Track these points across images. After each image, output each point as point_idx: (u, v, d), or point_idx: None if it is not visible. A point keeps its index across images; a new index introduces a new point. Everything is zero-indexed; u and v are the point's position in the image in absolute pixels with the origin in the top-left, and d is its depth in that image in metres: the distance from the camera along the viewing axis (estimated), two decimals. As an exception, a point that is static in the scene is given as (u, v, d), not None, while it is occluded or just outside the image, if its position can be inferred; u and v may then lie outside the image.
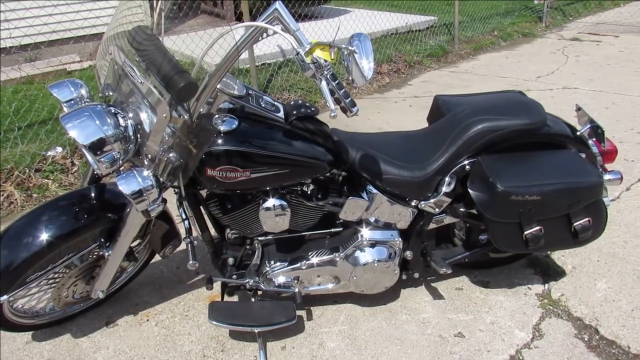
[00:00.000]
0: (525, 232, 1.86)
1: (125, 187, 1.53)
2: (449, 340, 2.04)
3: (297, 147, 1.74)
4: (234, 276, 2.01)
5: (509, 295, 2.27)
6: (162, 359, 1.98)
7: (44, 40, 4.76)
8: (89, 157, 1.52)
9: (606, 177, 2.04)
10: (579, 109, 2.15)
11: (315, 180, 1.90)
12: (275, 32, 1.45)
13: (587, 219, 1.90)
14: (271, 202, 1.80)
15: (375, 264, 1.96)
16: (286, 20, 1.45)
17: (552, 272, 2.41)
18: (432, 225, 2.11)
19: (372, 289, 2.06)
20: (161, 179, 1.66)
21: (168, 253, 2.17)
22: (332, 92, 1.46)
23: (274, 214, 1.81)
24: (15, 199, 3.13)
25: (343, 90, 1.47)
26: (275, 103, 1.81)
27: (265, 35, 1.51)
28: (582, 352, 1.98)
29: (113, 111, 1.60)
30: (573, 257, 2.51)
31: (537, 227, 1.86)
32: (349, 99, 1.48)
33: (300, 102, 1.83)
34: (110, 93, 1.70)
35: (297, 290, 2.00)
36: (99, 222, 1.82)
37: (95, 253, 1.94)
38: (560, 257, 2.52)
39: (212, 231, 2.01)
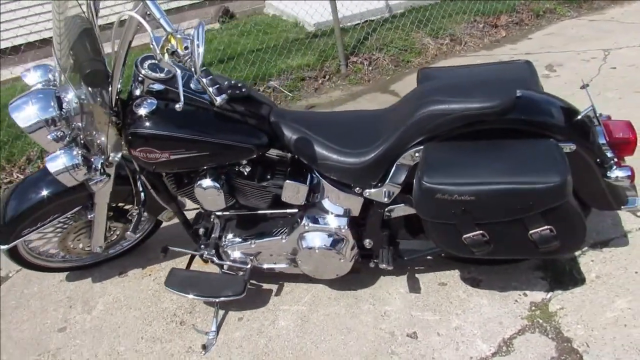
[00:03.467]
0: (464, 236, 1.61)
1: (49, 166, 1.73)
2: (398, 339, 1.91)
3: (218, 130, 1.74)
4: (202, 246, 2.13)
5: (496, 300, 2.00)
6: (143, 312, 2.24)
7: (164, 8, 5.32)
8: (32, 137, 1.75)
9: (614, 173, 1.63)
10: (584, 86, 1.71)
11: (259, 161, 1.89)
12: (140, 24, 1.45)
13: (546, 227, 1.55)
14: (205, 181, 1.85)
15: (317, 251, 1.90)
16: (150, 8, 1.44)
17: (566, 280, 2.04)
18: (398, 214, 1.93)
19: (321, 274, 2.01)
20: (105, 156, 1.82)
21: (166, 218, 2.37)
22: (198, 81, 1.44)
23: (207, 193, 1.87)
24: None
25: (209, 77, 1.43)
26: None
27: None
28: (548, 379, 1.69)
29: (60, 95, 1.79)
30: (604, 264, 2.08)
31: (478, 232, 1.59)
32: (214, 87, 1.44)
33: (232, 82, 1.80)
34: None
35: (249, 266, 2.04)
36: (80, 187, 2.06)
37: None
38: (589, 261, 2.10)
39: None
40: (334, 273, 2.00)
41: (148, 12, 1.47)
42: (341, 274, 2.01)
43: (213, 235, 2.09)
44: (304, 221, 1.92)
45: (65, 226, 2.25)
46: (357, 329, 1.98)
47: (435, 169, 1.58)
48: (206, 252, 2.08)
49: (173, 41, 1.41)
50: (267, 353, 1.95)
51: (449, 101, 1.62)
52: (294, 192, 1.88)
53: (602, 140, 1.67)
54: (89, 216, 2.16)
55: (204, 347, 2.00)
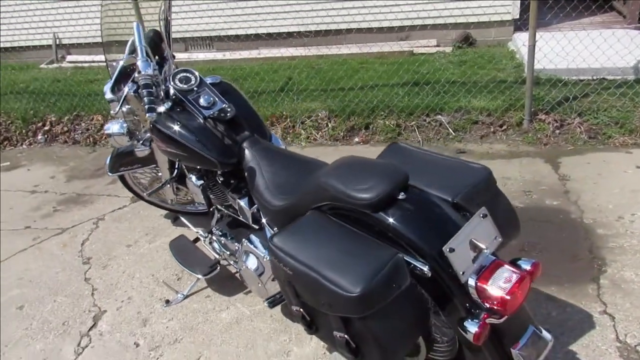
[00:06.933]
0: (291, 306, 1.63)
1: (105, 128, 2.40)
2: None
3: (197, 139, 2.10)
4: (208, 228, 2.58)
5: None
6: (156, 268, 2.82)
7: (415, 24, 5.70)
8: (110, 106, 2.47)
9: (465, 323, 1.41)
10: (483, 215, 1.45)
11: (237, 175, 2.20)
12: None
13: (342, 334, 1.46)
14: (192, 177, 2.28)
15: (243, 266, 2.13)
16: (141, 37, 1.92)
17: None
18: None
19: (251, 289, 2.21)
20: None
21: None
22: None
23: (191, 187, 2.30)
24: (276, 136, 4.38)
25: (150, 97, 1.84)
26: (217, 100, 2.16)
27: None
28: None
29: None
30: None
31: (299, 308, 1.59)
32: (148, 105, 1.83)
33: (224, 105, 2.13)
34: None
35: (218, 257, 2.41)
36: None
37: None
38: None
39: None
40: (257, 293, 2.19)
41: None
42: (262, 300, 2.17)
43: (212, 222, 2.50)
44: (249, 237, 2.16)
45: (156, 175, 3.00)
46: (257, 352, 2.15)
47: (285, 234, 1.63)
48: (201, 232, 2.52)
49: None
50: (190, 328, 2.32)
51: (333, 178, 1.63)
52: (242, 210, 2.14)
53: (472, 282, 1.40)
54: (159, 174, 2.84)
55: (167, 302, 2.49)
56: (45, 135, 4.97)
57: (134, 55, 2.09)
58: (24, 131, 5.02)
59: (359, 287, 1.37)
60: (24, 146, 4.93)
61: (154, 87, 1.91)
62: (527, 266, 1.46)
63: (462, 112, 4.21)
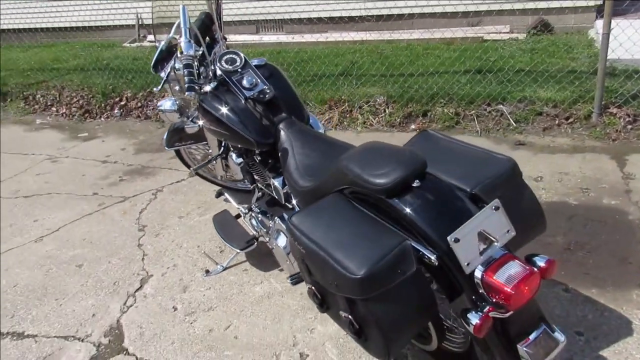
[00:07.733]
0: (306, 283, 1.68)
1: (158, 104, 2.55)
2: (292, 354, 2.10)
3: (237, 118, 2.19)
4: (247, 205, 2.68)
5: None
6: (202, 240, 2.97)
7: (484, 9, 5.49)
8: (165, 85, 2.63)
9: (469, 315, 1.40)
10: (495, 207, 1.42)
11: (273, 154, 2.27)
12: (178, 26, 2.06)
13: (347, 314, 1.49)
14: (232, 154, 2.38)
15: (274, 244, 2.21)
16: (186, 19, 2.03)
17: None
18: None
19: (283, 268, 2.29)
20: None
21: None
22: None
23: (231, 164, 2.40)
24: (332, 120, 4.44)
25: (190, 77, 1.94)
26: (258, 82, 2.24)
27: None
28: None
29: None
30: None
31: (311, 285, 1.64)
32: (188, 84, 1.93)
33: (265, 87, 2.19)
34: None
35: (255, 233, 2.51)
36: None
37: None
38: None
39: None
40: (287, 271, 2.26)
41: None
42: (289, 276, 2.23)
43: (252, 200, 2.60)
44: (281, 216, 2.23)
45: (207, 151, 3.14)
46: (283, 326, 2.23)
47: (303, 214, 1.67)
48: (243, 209, 2.63)
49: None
50: (224, 298, 2.44)
51: (353, 162, 1.65)
52: (276, 190, 2.21)
53: (478, 274, 1.38)
54: (209, 150, 2.98)
55: (207, 272, 2.63)
56: (121, 110, 5.32)
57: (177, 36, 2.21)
58: (102, 105, 5.40)
59: (363, 269, 1.39)
60: (102, 119, 5.32)
61: (201, 67, 2.01)
62: (541, 263, 1.41)
63: (525, 102, 4.04)
